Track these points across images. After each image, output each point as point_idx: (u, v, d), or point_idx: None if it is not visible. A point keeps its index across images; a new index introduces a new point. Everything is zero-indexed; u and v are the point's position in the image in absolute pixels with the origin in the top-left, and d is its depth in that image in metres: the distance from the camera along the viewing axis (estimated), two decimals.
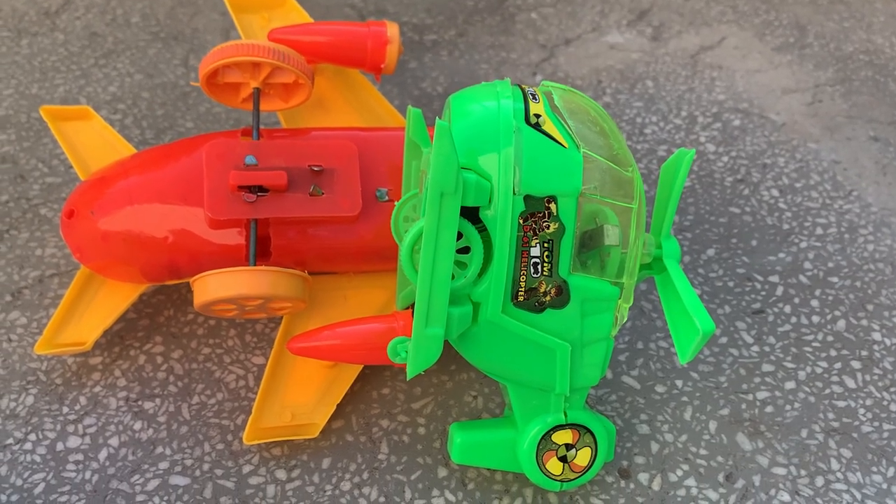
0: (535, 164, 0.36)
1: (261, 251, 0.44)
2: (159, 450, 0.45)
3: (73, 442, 0.45)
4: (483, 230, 0.36)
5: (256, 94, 0.45)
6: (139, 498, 0.43)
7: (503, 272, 0.36)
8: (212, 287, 0.40)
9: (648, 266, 0.41)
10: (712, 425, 0.47)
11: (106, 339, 0.49)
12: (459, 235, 0.35)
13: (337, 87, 0.52)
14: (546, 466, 0.41)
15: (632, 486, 0.45)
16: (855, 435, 0.47)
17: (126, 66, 0.68)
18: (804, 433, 0.47)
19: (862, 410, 0.49)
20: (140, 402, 0.47)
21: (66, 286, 0.51)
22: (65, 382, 0.47)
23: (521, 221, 0.36)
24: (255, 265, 0.42)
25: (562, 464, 0.41)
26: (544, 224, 0.36)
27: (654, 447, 0.46)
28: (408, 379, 0.42)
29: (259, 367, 0.48)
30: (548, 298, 0.37)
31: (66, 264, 0.53)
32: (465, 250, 0.36)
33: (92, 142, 0.50)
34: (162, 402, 0.47)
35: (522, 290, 0.37)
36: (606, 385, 0.49)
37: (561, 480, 0.41)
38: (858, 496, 0.45)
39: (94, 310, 0.47)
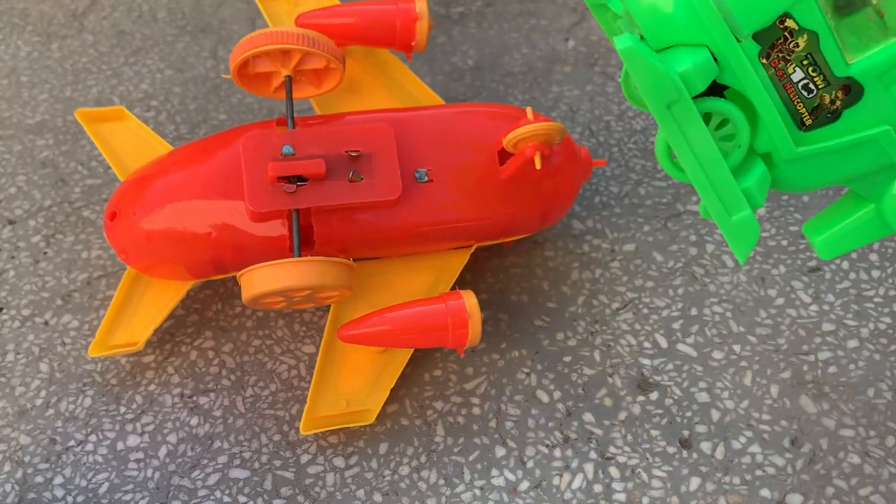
0: None
1: (304, 241, 0.44)
2: (217, 444, 0.45)
3: (133, 441, 0.45)
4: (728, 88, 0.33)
5: (289, 83, 0.45)
6: (201, 493, 0.43)
7: (776, 117, 0.33)
8: (259, 281, 0.40)
9: None
10: (774, 389, 0.46)
11: (157, 337, 0.49)
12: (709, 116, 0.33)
13: (367, 69, 0.51)
14: None
15: (694, 455, 0.44)
16: None
17: (156, 62, 0.68)
18: (871, 392, 0.46)
19: None
20: (195, 398, 0.47)
21: (114, 287, 0.52)
22: (120, 382, 0.47)
23: (764, 62, 0.33)
24: (299, 256, 0.42)
25: None
26: (791, 46, 0.33)
27: (716, 415, 0.45)
28: (741, 263, 0.38)
29: (309, 356, 0.48)
30: (837, 104, 0.34)
31: (112, 265, 0.53)
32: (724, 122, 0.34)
33: (128, 141, 0.50)
34: (216, 397, 0.47)
35: (806, 114, 0.34)
36: (662, 354, 0.48)
37: None
38: None
39: (143, 309, 0.47)
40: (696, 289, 0.51)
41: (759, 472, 0.43)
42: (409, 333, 0.43)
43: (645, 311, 0.50)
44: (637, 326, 0.49)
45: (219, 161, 0.44)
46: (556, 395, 0.46)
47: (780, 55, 0.33)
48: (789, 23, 0.32)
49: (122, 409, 0.46)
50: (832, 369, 0.47)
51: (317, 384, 0.44)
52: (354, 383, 0.45)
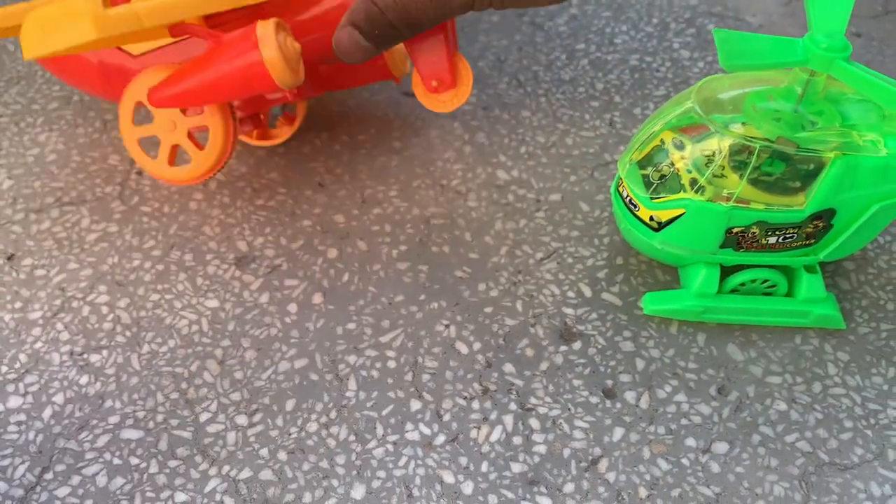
0: None
1: None
2: (108, 403, 0.41)
3: (14, 402, 0.41)
4: None
5: None
6: (88, 455, 0.39)
7: None
8: None
9: None
10: (700, 338, 0.44)
11: (46, 292, 0.45)
12: None
13: None
14: None
15: (618, 405, 0.42)
16: (852, 337, 0.45)
17: None
18: (798, 339, 0.44)
19: (858, 311, 0.46)
20: (85, 356, 0.43)
21: None
22: (2, 340, 0.43)
23: None
24: None
25: None
26: None
27: (640, 364, 0.43)
28: None
29: (212, 311, 0.45)
30: None
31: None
32: None
33: None
34: (109, 354, 0.43)
35: None
36: (586, 304, 0.46)
37: None
38: (859, 399, 0.42)
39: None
40: (621, 237, 0.49)
41: (684, 421, 0.41)
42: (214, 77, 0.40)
43: (569, 260, 0.48)
44: (561, 276, 0.47)
45: None
46: (476, 346, 0.44)
47: None
48: None
49: (4, 369, 0.42)
50: None
51: None
52: None
